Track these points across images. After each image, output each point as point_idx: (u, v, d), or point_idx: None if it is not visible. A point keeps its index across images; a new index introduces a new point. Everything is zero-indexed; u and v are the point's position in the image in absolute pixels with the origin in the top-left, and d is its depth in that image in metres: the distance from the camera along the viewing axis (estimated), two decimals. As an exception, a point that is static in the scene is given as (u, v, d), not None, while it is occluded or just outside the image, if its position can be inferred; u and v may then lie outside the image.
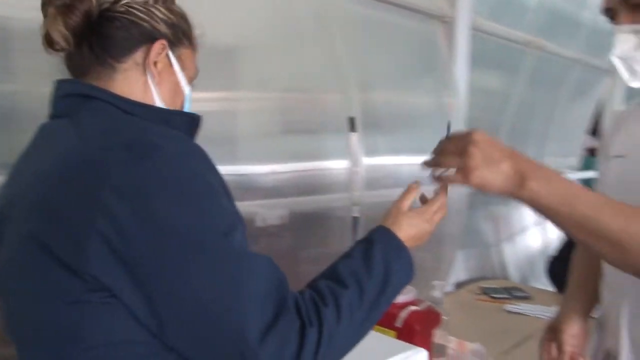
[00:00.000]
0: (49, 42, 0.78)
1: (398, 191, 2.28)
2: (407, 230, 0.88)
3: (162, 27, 0.82)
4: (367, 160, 1.90)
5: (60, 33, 0.76)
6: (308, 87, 1.80)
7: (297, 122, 1.75)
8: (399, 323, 1.38)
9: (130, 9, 0.79)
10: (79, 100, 0.77)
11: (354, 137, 1.86)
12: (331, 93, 1.85)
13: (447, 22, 2.37)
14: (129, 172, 0.66)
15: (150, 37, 0.81)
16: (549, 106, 3.52)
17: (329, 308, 0.73)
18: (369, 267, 0.80)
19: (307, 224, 1.73)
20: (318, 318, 0.72)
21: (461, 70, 2.43)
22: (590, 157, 4.37)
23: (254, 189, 1.56)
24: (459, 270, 2.73)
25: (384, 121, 2.02)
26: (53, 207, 0.69)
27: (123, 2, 0.79)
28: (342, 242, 1.85)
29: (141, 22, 0.80)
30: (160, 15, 0.82)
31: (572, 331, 1.09)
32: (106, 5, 0.78)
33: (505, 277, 3.13)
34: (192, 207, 0.68)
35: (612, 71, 4.20)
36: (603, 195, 0.83)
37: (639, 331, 0.99)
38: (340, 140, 1.83)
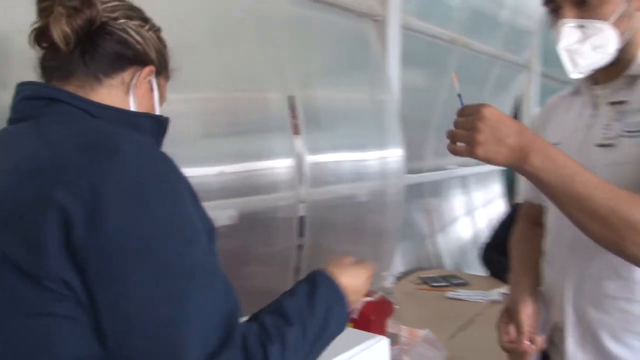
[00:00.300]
0: (41, 38, 0.78)
1: (341, 187, 2.31)
2: (347, 280, 0.90)
3: (153, 54, 0.86)
4: (311, 158, 1.92)
5: (62, 32, 0.76)
6: (249, 87, 1.80)
7: (241, 122, 1.74)
8: (355, 314, 1.41)
9: (128, 29, 0.82)
10: (44, 103, 0.76)
11: (297, 133, 1.88)
12: (272, 92, 1.86)
13: (378, 21, 2.44)
14: (86, 174, 0.65)
15: (141, 61, 0.84)
16: (473, 101, 3.68)
17: (274, 345, 0.72)
18: (312, 309, 0.81)
19: (255, 224, 1.73)
20: (264, 355, 0.71)
21: (393, 67, 2.51)
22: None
23: (203, 190, 1.54)
24: (398, 262, 2.81)
25: (325, 119, 2.05)
26: (9, 212, 0.67)
27: (121, 20, 0.82)
28: (290, 240, 1.87)
29: (136, 45, 0.83)
30: (153, 42, 0.86)
31: (528, 311, 1.13)
32: (106, 19, 0.80)
33: (441, 266, 3.25)
34: (148, 214, 0.67)
35: (528, 67, 4.46)
36: (599, 178, 0.88)
37: (582, 305, 1.06)
38: (283, 139, 1.84)
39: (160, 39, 0.89)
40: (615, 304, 1.02)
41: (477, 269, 3.13)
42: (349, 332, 1.23)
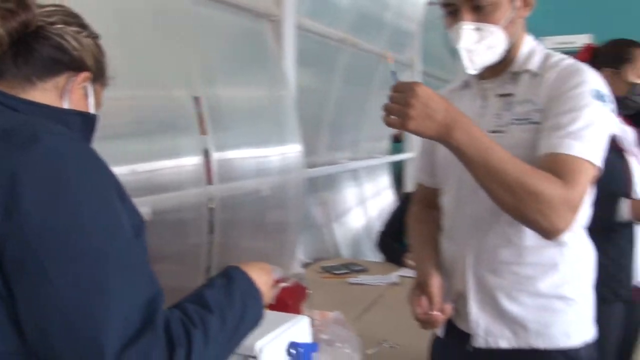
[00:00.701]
0: None
1: (247, 184, 2.37)
2: (257, 276, 0.93)
3: (89, 60, 0.86)
4: (217, 156, 1.97)
5: None
6: (154, 86, 1.81)
7: (148, 121, 1.75)
8: (271, 301, 1.49)
9: (65, 35, 0.82)
10: None
11: (204, 133, 1.91)
12: (177, 90, 1.88)
13: (275, 21, 2.52)
14: (3, 162, 0.66)
15: (77, 66, 0.84)
16: (361, 98, 3.88)
17: (197, 330, 0.74)
18: (230, 301, 0.83)
19: (166, 222, 1.75)
20: (187, 340, 0.72)
21: (289, 66, 2.60)
22: (394, 143, 4.90)
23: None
24: (300, 253, 2.92)
25: (228, 116, 2.10)
26: None
27: (59, 25, 0.82)
28: (200, 237, 1.90)
29: (73, 50, 0.83)
30: (90, 49, 0.86)
31: (436, 284, 1.24)
32: (42, 24, 0.81)
33: (339, 255, 3.41)
34: (66, 204, 0.67)
35: (411, 65, 4.74)
36: (509, 154, 1.02)
37: (481, 273, 1.21)
38: (191, 137, 1.87)
39: (98, 46, 0.89)
40: (508, 268, 1.18)
41: (373, 256, 3.33)
42: (272, 314, 1.30)
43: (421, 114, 0.97)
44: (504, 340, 1.20)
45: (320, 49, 3.11)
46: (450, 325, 1.30)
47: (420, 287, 1.26)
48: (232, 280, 0.88)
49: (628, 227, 1.85)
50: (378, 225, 3.31)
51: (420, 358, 1.58)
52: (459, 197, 1.24)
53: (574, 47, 5.07)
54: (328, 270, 2.64)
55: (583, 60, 1.94)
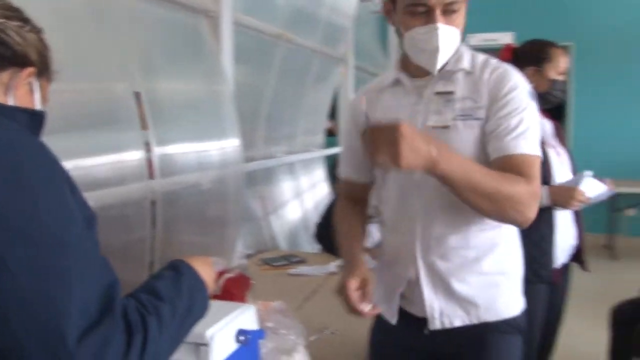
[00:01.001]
0: None
1: (188, 178, 2.38)
2: (201, 270, 0.97)
3: (34, 55, 0.85)
4: (159, 150, 1.97)
5: None
6: (95, 80, 1.80)
7: (88, 115, 1.74)
8: (217, 292, 1.52)
9: (7, 29, 0.81)
10: None
11: (145, 127, 1.92)
12: (117, 84, 1.88)
13: (212, 17, 2.53)
14: None
15: (21, 62, 0.83)
16: (297, 93, 3.94)
17: (152, 317, 0.77)
18: (179, 291, 0.86)
19: (109, 217, 1.75)
20: (144, 326, 0.75)
21: (227, 61, 2.62)
22: (329, 137, 5.00)
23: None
24: (239, 246, 2.95)
25: (168, 111, 2.11)
26: None
27: (0, 20, 0.80)
28: (143, 230, 1.91)
29: (15, 45, 0.82)
30: (34, 43, 0.85)
31: (353, 287, 1.26)
32: None
33: (277, 248, 3.46)
34: (24, 193, 0.69)
35: (344, 60, 4.83)
36: (483, 167, 1.16)
37: (431, 261, 1.30)
38: (132, 132, 1.87)
39: (42, 40, 0.88)
40: (456, 253, 1.29)
41: (310, 247, 3.40)
42: (219, 304, 1.32)
43: (409, 151, 1.05)
44: (458, 319, 1.31)
45: (257, 45, 3.14)
46: (401, 312, 1.37)
47: (341, 289, 1.30)
48: (179, 272, 0.92)
49: (548, 212, 2.00)
50: (315, 217, 3.39)
51: (360, 343, 1.66)
52: (404, 190, 1.33)
53: (497, 44, 5.35)
54: (267, 262, 2.69)
55: (505, 59, 2.10)
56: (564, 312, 2.44)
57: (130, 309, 0.76)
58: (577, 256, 2.34)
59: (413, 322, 1.35)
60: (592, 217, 5.19)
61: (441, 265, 1.30)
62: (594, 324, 3.01)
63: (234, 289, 1.56)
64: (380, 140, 1.08)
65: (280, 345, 1.56)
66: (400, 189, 1.34)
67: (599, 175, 2.24)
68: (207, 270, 1.00)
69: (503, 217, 1.20)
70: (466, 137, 1.25)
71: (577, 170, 2.20)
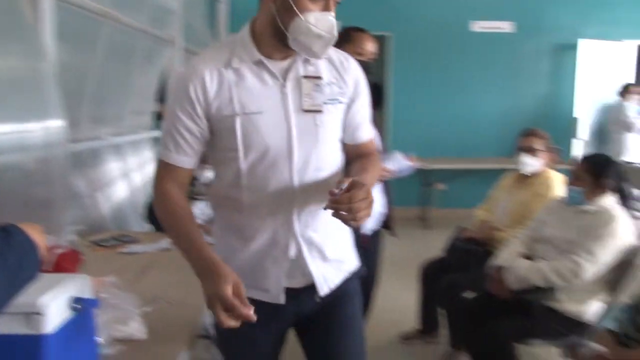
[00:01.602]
0: None
1: (9, 158, 2.32)
2: (35, 234, 1.00)
3: None
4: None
5: None
6: None
7: None
8: (49, 266, 1.54)
9: None
10: None
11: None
12: None
13: (31, -8, 2.43)
14: None
15: None
16: (124, 74, 3.88)
17: None
18: (9, 247, 0.89)
19: None
20: None
21: (48, 38, 2.53)
22: (157, 120, 4.97)
23: None
24: (67, 228, 2.88)
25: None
26: None
27: None
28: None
29: None
30: None
31: (230, 292, 1.21)
32: None
33: (107, 228, 3.41)
34: None
35: (172, 42, 4.81)
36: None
37: (308, 236, 1.44)
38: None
39: None
40: (324, 223, 1.44)
41: (140, 227, 3.41)
42: (51, 275, 1.33)
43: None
44: (336, 279, 1.52)
45: (82, 23, 3.05)
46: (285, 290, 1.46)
47: (214, 301, 1.23)
48: (9, 232, 0.94)
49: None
50: (143, 198, 3.38)
51: (195, 311, 1.78)
52: (267, 175, 1.38)
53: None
54: (98, 243, 2.66)
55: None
56: (379, 274, 2.79)
57: None
58: (386, 223, 2.70)
59: (298, 295, 1.47)
60: (407, 191, 5.88)
61: (316, 237, 1.46)
62: (409, 283, 3.51)
63: (66, 264, 1.60)
64: (361, 202, 1.22)
65: (116, 315, 1.63)
66: (263, 173, 1.38)
67: (414, 154, 2.64)
68: (37, 234, 1.01)
69: None
70: (333, 119, 1.43)
71: (388, 149, 2.56)
